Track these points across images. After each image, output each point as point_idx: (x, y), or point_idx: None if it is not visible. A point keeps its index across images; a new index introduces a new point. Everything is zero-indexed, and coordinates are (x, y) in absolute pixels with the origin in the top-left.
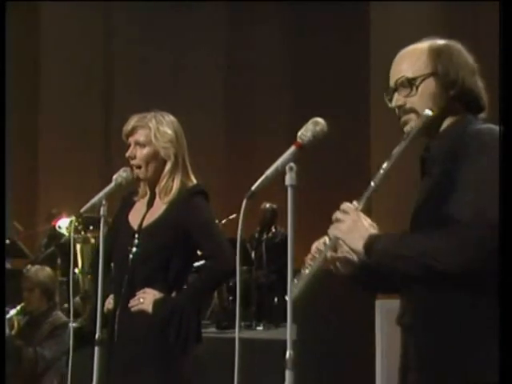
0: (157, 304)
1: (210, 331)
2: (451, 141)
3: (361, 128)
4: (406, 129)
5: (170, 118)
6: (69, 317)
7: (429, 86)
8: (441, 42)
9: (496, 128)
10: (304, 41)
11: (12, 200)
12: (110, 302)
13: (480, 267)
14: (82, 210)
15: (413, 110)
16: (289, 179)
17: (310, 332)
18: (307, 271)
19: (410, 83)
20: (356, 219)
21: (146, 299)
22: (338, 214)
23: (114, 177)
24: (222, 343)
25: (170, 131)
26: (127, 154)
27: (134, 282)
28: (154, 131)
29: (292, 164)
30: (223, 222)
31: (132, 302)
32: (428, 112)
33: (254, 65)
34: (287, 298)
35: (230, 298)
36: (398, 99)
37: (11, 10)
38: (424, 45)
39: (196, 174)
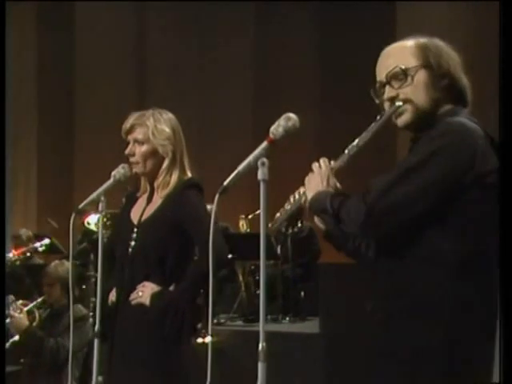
0: (154, 297)
1: (236, 324)
2: (432, 131)
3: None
4: (401, 120)
5: (168, 115)
6: (92, 310)
7: (422, 76)
8: (425, 38)
9: (471, 123)
10: (331, 39)
11: (49, 197)
12: (113, 295)
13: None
14: (80, 206)
15: (407, 101)
16: (261, 174)
17: (333, 326)
18: (280, 213)
19: (404, 73)
20: (323, 175)
21: (144, 293)
22: (313, 166)
23: (113, 173)
24: (248, 336)
25: (167, 129)
26: (126, 152)
27: (134, 276)
28: (151, 129)
29: (264, 159)
30: (250, 217)
31: (131, 296)
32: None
33: (282, 63)
34: (261, 283)
35: (257, 291)
36: (389, 91)
37: (49, 11)
38: (410, 41)
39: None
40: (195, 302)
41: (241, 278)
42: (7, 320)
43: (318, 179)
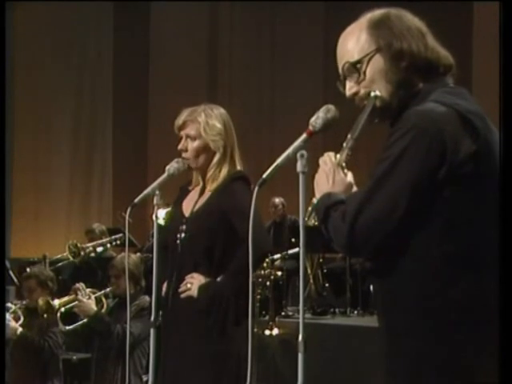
0: (201, 289)
1: (304, 317)
2: (396, 130)
3: None
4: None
5: (220, 110)
6: None
7: (376, 64)
8: (379, 12)
9: (439, 109)
10: None
11: (124, 193)
12: (165, 286)
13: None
14: (136, 200)
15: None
16: (300, 166)
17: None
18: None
19: (355, 68)
20: (328, 172)
21: (192, 285)
22: (320, 161)
23: (167, 167)
24: (317, 329)
25: (218, 124)
26: (179, 147)
27: (183, 267)
28: (203, 125)
29: (303, 151)
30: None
31: (181, 288)
32: (376, 93)
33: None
34: (300, 283)
35: (326, 284)
36: (350, 87)
37: (125, 10)
38: (363, 20)
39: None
40: (240, 293)
41: (309, 270)
42: (74, 303)
43: (323, 178)
